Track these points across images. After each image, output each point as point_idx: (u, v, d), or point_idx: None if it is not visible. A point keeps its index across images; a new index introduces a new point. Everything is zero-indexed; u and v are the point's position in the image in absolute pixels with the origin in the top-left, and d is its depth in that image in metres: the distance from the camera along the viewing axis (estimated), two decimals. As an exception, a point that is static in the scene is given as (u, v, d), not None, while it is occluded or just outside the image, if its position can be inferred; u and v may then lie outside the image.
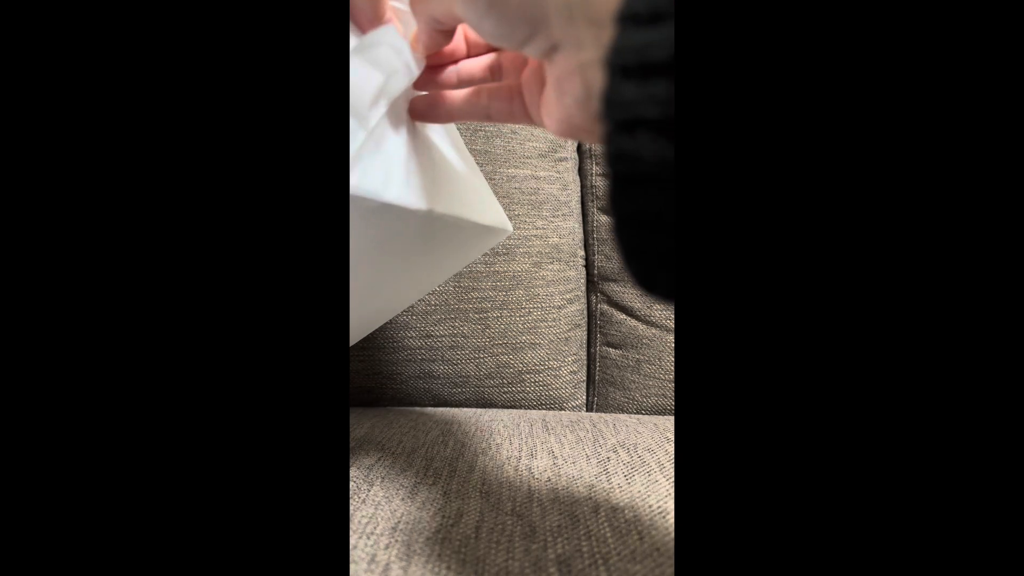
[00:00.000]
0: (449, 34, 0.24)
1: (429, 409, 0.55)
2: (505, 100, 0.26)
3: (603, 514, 0.29)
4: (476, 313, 0.56)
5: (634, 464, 0.36)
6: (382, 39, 0.23)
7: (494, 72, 0.26)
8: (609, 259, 0.62)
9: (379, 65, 0.23)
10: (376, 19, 0.25)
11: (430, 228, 0.26)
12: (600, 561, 0.25)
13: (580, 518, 0.28)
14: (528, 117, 0.25)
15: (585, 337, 0.64)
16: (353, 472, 0.34)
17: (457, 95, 0.27)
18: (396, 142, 0.24)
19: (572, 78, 0.19)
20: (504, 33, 0.20)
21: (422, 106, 0.27)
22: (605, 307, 0.63)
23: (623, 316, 0.61)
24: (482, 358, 0.57)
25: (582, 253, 0.64)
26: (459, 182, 0.27)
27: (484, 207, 0.29)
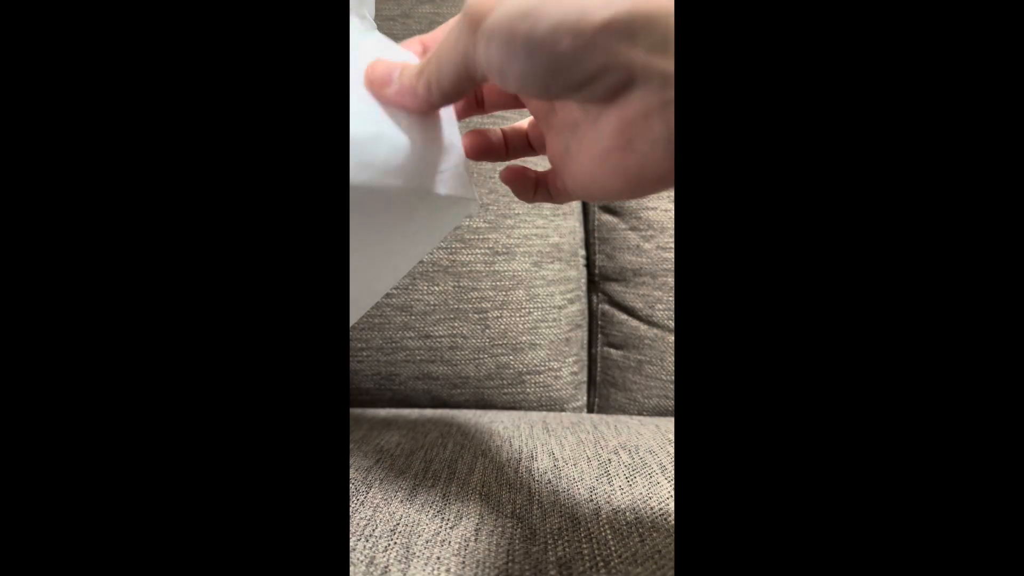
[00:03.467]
0: (452, 96, 0.21)
1: (428, 411, 0.54)
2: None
3: (604, 517, 0.29)
4: (476, 313, 0.56)
5: (636, 466, 0.35)
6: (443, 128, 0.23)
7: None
8: (611, 258, 0.62)
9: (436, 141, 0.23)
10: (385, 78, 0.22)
11: (402, 204, 0.26)
12: (601, 564, 0.25)
13: (581, 520, 0.28)
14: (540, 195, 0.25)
15: (586, 338, 0.64)
16: (352, 474, 0.34)
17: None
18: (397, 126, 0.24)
19: (650, 120, 0.17)
20: (551, 77, 0.16)
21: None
22: (606, 307, 0.63)
23: (625, 316, 0.61)
24: (482, 359, 0.56)
25: (583, 252, 0.64)
26: (426, 154, 0.27)
27: (447, 177, 0.29)
